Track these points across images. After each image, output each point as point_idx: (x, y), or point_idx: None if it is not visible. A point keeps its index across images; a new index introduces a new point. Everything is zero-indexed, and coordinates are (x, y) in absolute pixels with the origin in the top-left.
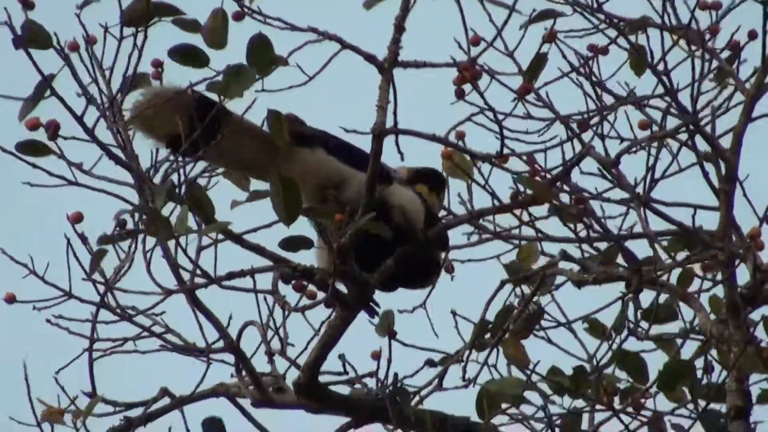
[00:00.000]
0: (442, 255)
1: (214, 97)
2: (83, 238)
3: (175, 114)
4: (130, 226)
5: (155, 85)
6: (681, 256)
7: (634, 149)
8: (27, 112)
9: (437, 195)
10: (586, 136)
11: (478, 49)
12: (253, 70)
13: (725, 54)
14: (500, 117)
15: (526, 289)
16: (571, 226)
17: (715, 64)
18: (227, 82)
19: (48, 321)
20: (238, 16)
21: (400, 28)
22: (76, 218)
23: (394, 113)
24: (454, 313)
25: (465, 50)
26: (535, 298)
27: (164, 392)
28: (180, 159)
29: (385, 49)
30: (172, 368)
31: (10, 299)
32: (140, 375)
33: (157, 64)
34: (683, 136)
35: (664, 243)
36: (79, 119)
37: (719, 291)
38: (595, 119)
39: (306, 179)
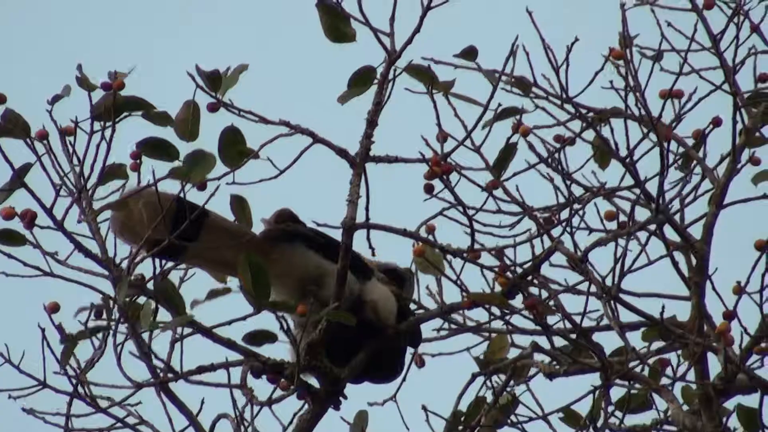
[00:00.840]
0: (409, 351)
1: (195, 200)
2: (60, 329)
3: (155, 218)
4: (103, 317)
5: (136, 188)
6: (655, 345)
7: (603, 243)
8: (1, 200)
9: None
10: (557, 228)
11: (449, 145)
12: (213, 156)
13: (690, 142)
14: (471, 212)
15: (498, 381)
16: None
17: (681, 151)
18: (189, 168)
19: (23, 410)
20: (213, 108)
21: (372, 122)
22: (53, 308)
23: (366, 207)
24: (424, 408)
25: (432, 148)
26: (509, 389)
27: None
28: (158, 259)
29: (357, 143)
30: None
31: None
32: None
33: (136, 156)
34: (652, 226)
35: (637, 334)
36: (49, 211)
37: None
38: (565, 212)
39: (286, 274)
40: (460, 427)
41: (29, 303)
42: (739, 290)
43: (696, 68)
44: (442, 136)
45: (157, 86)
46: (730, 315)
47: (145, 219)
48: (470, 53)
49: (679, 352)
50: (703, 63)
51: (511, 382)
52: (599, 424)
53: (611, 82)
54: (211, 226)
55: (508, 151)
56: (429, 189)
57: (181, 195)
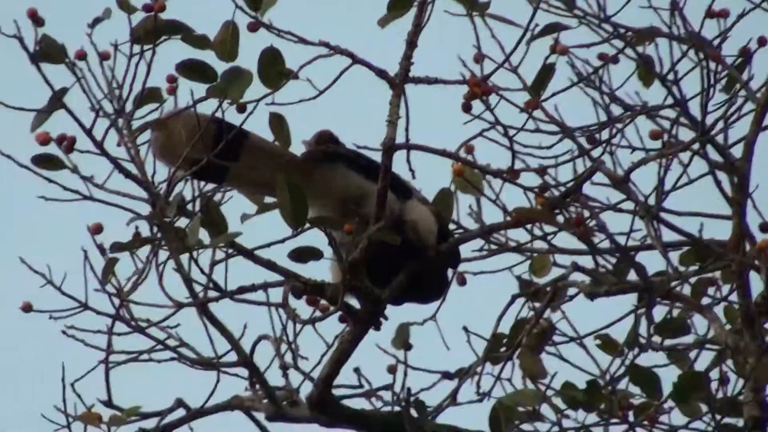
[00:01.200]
0: (451, 271)
1: (233, 120)
2: (102, 249)
3: (195, 138)
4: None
5: (177, 109)
6: (694, 267)
7: (644, 164)
8: (39, 124)
9: None
10: (598, 148)
11: (488, 66)
12: (250, 72)
13: (735, 62)
14: (510, 132)
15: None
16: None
17: (724, 72)
18: (225, 85)
19: (63, 332)
20: (253, 27)
21: (411, 44)
22: (96, 229)
23: (406, 129)
24: (465, 329)
25: (470, 69)
26: (546, 313)
27: (179, 403)
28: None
29: (397, 64)
30: (186, 381)
31: (27, 308)
32: (155, 387)
33: (172, 80)
34: (694, 147)
35: (677, 255)
36: (89, 132)
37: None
38: (606, 131)
39: (327, 194)
40: (502, 350)
41: (69, 227)
42: None
43: None
44: (480, 58)
45: (196, 9)
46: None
47: (184, 139)
48: None
49: (719, 273)
50: None
51: (550, 306)
52: (636, 349)
53: (649, 0)
54: (250, 147)
55: (546, 72)
56: (467, 108)
57: (220, 115)
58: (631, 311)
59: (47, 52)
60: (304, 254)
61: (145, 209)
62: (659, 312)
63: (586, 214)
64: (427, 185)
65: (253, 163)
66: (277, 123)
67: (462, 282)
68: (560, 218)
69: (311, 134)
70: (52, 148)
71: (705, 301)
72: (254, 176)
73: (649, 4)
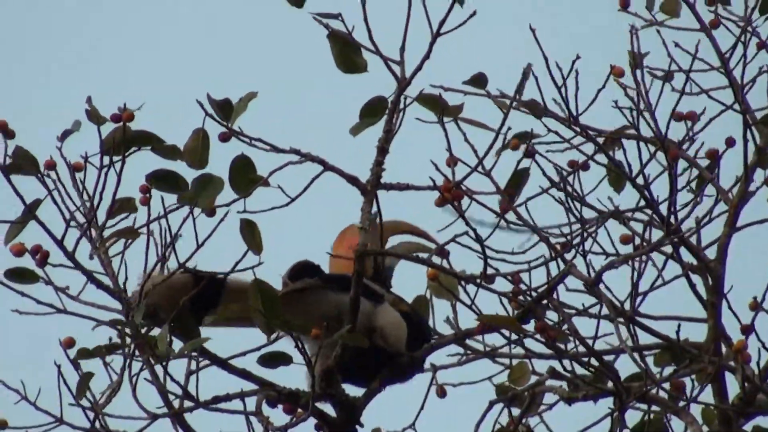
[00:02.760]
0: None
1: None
2: (75, 364)
3: (175, 296)
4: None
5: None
6: (669, 369)
7: (616, 266)
8: (12, 236)
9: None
10: (570, 252)
11: (459, 170)
12: (221, 179)
13: (704, 163)
14: (483, 236)
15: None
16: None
17: (694, 173)
18: (195, 192)
19: None
20: (225, 137)
21: (383, 150)
22: (68, 343)
23: (380, 235)
24: None
25: (442, 173)
26: (524, 419)
27: None
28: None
29: (368, 170)
30: None
31: (2, 425)
32: None
33: (146, 190)
34: (668, 249)
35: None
36: (60, 243)
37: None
38: (578, 236)
39: (307, 317)
40: None
41: (43, 340)
42: (756, 306)
43: (705, 88)
44: (453, 161)
45: (166, 118)
46: (747, 329)
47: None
48: (479, 80)
49: (695, 375)
50: (713, 83)
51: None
52: None
53: (616, 102)
54: (229, 293)
55: (519, 176)
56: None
57: (193, 268)
58: (607, 414)
59: (19, 163)
60: (274, 359)
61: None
62: (637, 415)
63: (558, 318)
64: (403, 290)
65: (234, 304)
66: (248, 229)
67: (442, 394)
68: (533, 323)
69: (286, 265)
70: (25, 261)
71: (681, 403)
72: (236, 314)
73: (616, 105)
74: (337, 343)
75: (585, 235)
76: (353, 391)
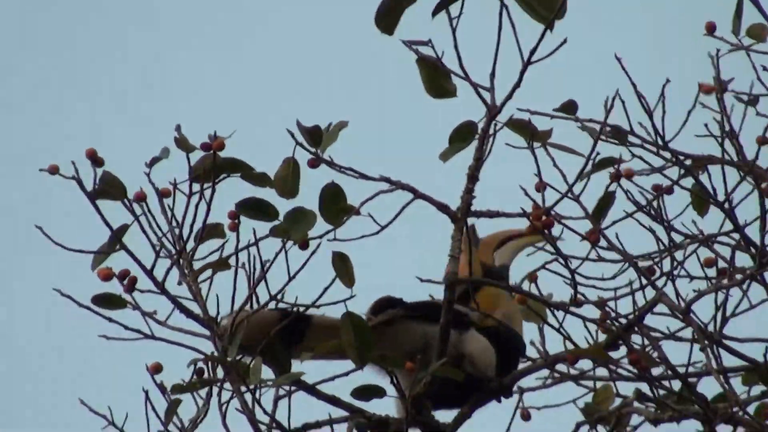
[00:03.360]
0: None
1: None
2: (162, 389)
3: (263, 331)
4: (205, 375)
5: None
6: (757, 390)
7: (706, 294)
8: (98, 264)
9: None
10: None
11: (549, 196)
12: (314, 213)
13: None
14: (573, 263)
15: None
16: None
17: None
18: (288, 225)
19: None
20: (313, 164)
21: (473, 177)
22: (156, 368)
23: (469, 262)
24: None
25: (531, 198)
26: None
27: None
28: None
29: (458, 197)
30: None
31: None
32: None
33: (234, 216)
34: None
35: (737, 379)
36: (150, 273)
37: None
38: (666, 261)
39: (393, 350)
40: None
41: (130, 366)
42: None
43: None
44: (542, 186)
45: (255, 147)
46: None
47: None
48: (570, 107)
49: None
50: None
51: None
52: None
53: (706, 125)
54: (314, 328)
55: (606, 200)
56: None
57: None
58: None
59: (106, 189)
60: (367, 392)
61: (207, 345)
62: None
63: (647, 344)
64: None
65: (318, 340)
66: (340, 262)
67: (527, 417)
68: (623, 349)
69: (375, 297)
70: (113, 286)
71: None
72: (330, 350)
73: (707, 129)
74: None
75: (674, 261)
76: (443, 416)
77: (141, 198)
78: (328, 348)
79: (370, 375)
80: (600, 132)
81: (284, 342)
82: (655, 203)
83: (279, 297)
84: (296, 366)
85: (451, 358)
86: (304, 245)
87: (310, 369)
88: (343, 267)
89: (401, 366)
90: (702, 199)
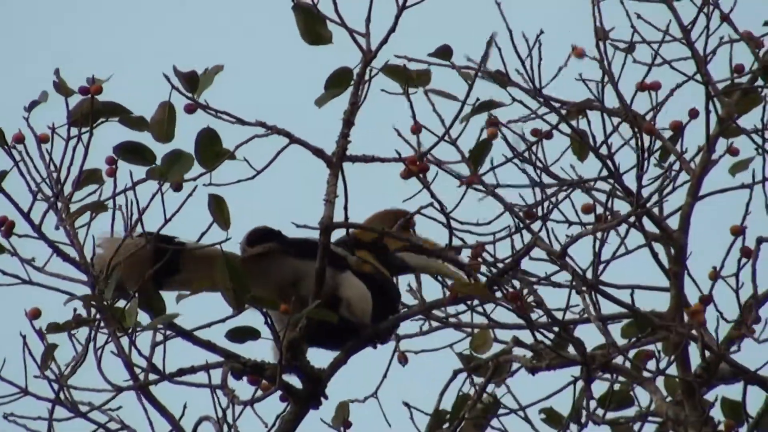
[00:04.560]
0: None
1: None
2: (41, 334)
3: (135, 262)
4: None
5: (112, 238)
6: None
7: (582, 238)
8: None
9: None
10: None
11: (426, 141)
12: (191, 155)
13: (667, 134)
14: (448, 208)
15: (481, 378)
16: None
17: (658, 145)
18: (166, 168)
19: (5, 417)
20: (190, 109)
21: (348, 122)
22: (34, 314)
23: (345, 207)
24: (407, 405)
25: (407, 140)
26: (489, 388)
27: None
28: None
29: (334, 143)
30: None
31: None
32: None
33: (111, 161)
34: (630, 218)
35: (618, 327)
36: (27, 216)
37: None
38: (540, 204)
39: (264, 281)
40: (445, 426)
41: (8, 311)
42: (715, 275)
43: (668, 59)
44: (417, 129)
45: (133, 90)
46: (706, 299)
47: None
48: (445, 52)
49: (660, 344)
50: (675, 54)
51: (492, 380)
52: (582, 419)
53: (580, 74)
54: (188, 258)
55: (483, 146)
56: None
57: (152, 232)
58: (570, 382)
59: None
60: (242, 334)
61: (84, 290)
62: (602, 385)
63: (524, 289)
64: None
65: (194, 270)
66: (216, 205)
67: (405, 361)
68: (498, 294)
69: (247, 224)
70: None
71: (645, 374)
72: (196, 278)
73: (581, 78)
74: (303, 316)
75: (550, 205)
76: (318, 361)
77: (19, 140)
78: (203, 286)
79: (247, 318)
80: (476, 75)
81: (158, 274)
82: (533, 149)
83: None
84: (171, 307)
85: (326, 297)
86: (178, 187)
87: (186, 313)
88: (218, 210)
89: (276, 308)
90: (582, 144)
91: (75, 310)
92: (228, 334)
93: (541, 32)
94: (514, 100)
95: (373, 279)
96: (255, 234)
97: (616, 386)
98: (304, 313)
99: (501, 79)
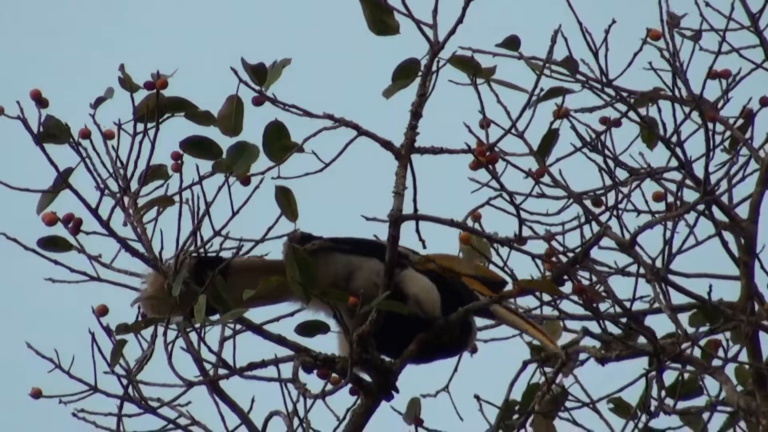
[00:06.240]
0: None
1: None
2: (108, 331)
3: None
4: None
5: (153, 275)
6: (703, 328)
7: (651, 227)
8: (45, 205)
9: None
10: (604, 213)
11: (493, 133)
12: (256, 147)
13: (735, 122)
14: (517, 199)
15: (551, 367)
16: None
17: (727, 133)
18: (231, 160)
19: (74, 415)
20: (258, 102)
21: (416, 114)
22: (102, 311)
23: (414, 199)
24: (477, 398)
25: (476, 135)
26: (558, 379)
27: None
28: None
29: (402, 135)
30: None
31: (37, 394)
32: None
33: (177, 157)
34: (699, 207)
35: (686, 316)
36: (95, 212)
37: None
38: (612, 195)
39: (318, 280)
40: (514, 417)
41: (76, 308)
42: None
43: (735, 47)
44: (486, 123)
45: (199, 85)
46: None
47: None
48: (512, 43)
49: (729, 333)
50: (743, 42)
51: (562, 371)
52: (653, 408)
53: (650, 63)
54: (233, 272)
55: (550, 136)
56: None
57: (201, 253)
58: (642, 375)
59: (51, 132)
60: (311, 328)
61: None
62: (670, 375)
63: (594, 279)
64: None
65: (241, 282)
66: (283, 196)
67: (473, 350)
68: (568, 284)
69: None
70: (58, 229)
71: (716, 362)
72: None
73: (651, 67)
74: (372, 310)
75: (618, 195)
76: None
77: (86, 135)
78: (272, 283)
79: (313, 314)
80: (544, 66)
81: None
82: (601, 138)
83: (223, 233)
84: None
85: (394, 294)
86: (246, 181)
87: (254, 309)
88: (286, 201)
89: (344, 301)
90: (651, 133)
91: (139, 308)
92: (297, 329)
93: (614, 21)
94: (584, 85)
95: (438, 274)
96: (293, 240)
97: (686, 375)
98: (374, 303)
99: (570, 66)
